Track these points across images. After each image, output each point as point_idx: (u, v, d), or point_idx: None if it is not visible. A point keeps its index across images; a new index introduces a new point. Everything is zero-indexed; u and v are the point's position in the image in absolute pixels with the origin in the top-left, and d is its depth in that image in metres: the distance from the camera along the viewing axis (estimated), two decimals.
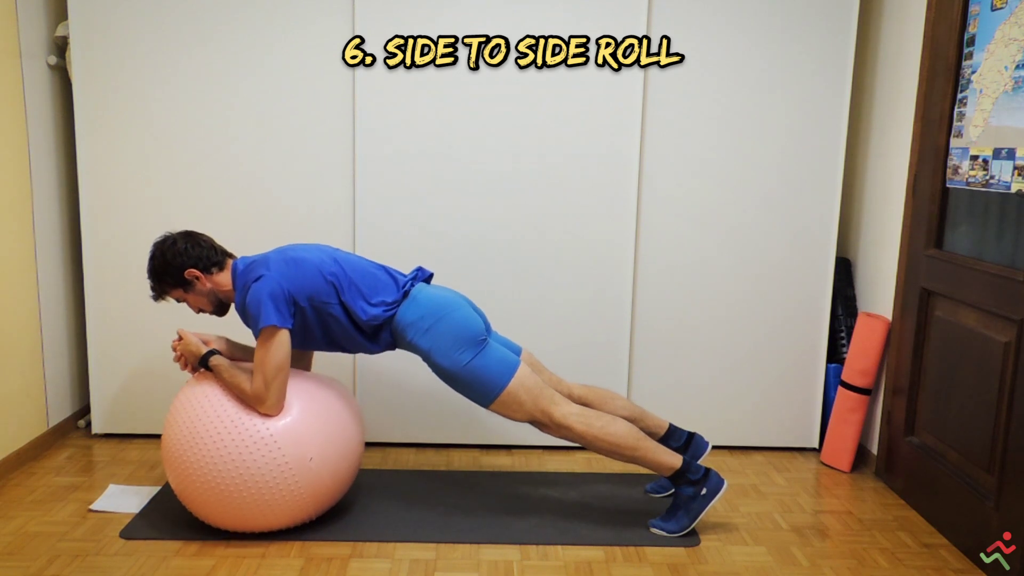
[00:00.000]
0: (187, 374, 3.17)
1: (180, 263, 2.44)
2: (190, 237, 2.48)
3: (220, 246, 2.53)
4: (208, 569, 2.29)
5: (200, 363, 2.44)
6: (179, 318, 3.15)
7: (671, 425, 2.75)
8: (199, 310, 2.54)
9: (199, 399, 2.37)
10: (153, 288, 2.50)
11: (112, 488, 2.78)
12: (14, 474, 2.89)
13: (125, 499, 2.70)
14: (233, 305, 2.57)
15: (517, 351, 2.67)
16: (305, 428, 2.37)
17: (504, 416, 2.48)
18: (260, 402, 2.32)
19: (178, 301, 2.54)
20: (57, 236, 3.17)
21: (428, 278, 2.62)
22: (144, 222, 3.11)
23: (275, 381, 2.32)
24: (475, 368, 2.43)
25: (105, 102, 3.04)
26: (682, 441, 2.74)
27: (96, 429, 3.23)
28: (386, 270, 2.56)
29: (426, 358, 2.47)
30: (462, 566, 2.35)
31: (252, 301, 2.36)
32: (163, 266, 2.45)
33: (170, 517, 2.57)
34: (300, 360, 2.72)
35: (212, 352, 2.43)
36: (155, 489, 2.78)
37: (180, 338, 2.47)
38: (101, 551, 2.38)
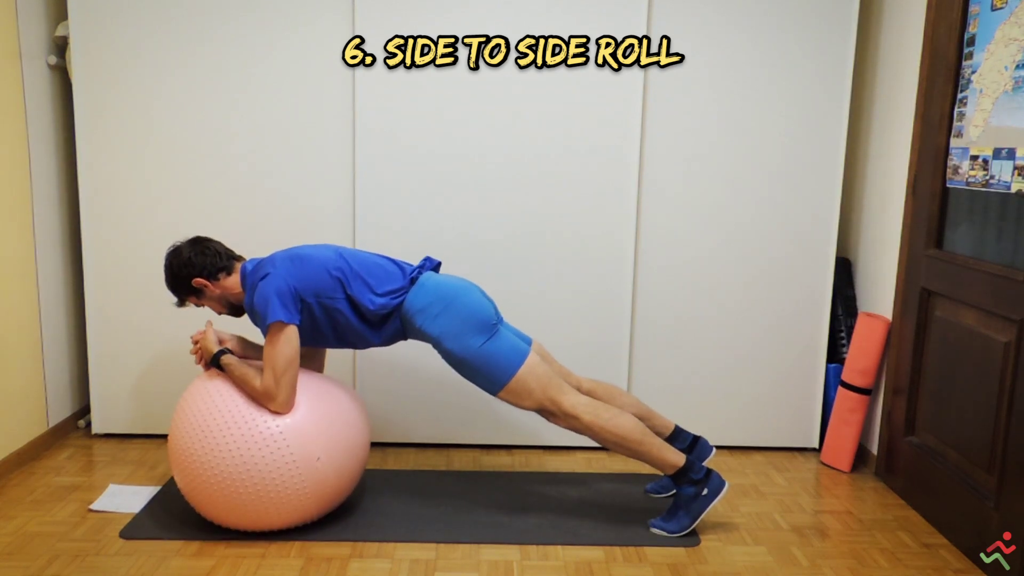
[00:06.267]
0: (189, 373, 3.18)
1: (186, 273, 2.48)
2: (196, 244, 2.51)
3: (228, 250, 2.55)
4: (208, 569, 2.29)
5: (212, 361, 2.45)
6: (179, 318, 3.16)
7: (677, 427, 2.75)
8: (219, 313, 2.59)
9: (208, 395, 2.38)
10: (173, 296, 2.57)
11: (112, 488, 2.78)
12: (14, 474, 2.89)
13: (125, 499, 2.70)
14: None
15: (528, 341, 2.66)
16: (313, 427, 2.37)
17: (512, 404, 2.48)
18: (270, 399, 2.32)
19: (197, 306, 2.60)
20: (57, 236, 3.17)
21: (436, 267, 2.63)
22: (144, 222, 3.11)
23: (284, 377, 2.32)
24: (486, 353, 2.43)
25: (105, 102, 3.04)
26: (687, 443, 2.74)
27: (96, 429, 3.23)
28: (393, 261, 2.58)
29: (436, 344, 2.47)
30: (462, 566, 2.35)
31: (259, 299, 2.38)
32: (172, 278, 2.51)
33: (170, 517, 2.57)
34: (312, 361, 2.74)
35: (224, 351, 2.45)
36: (155, 489, 2.78)
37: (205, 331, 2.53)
38: (101, 551, 2.38)
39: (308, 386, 2.45)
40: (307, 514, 2.44)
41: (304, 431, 2.35)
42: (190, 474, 2.35)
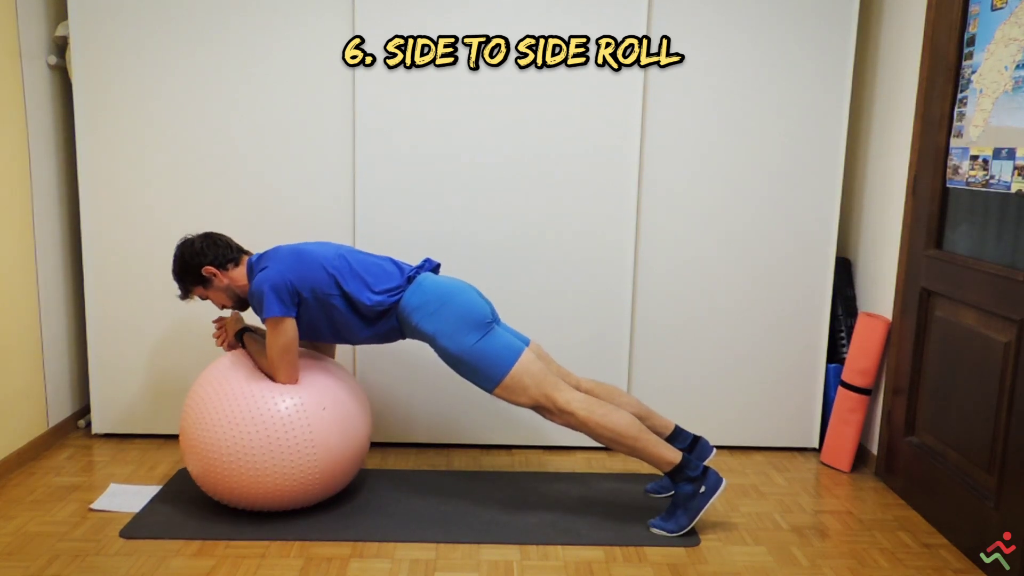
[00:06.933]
0: (190, 373, 3.19)
1: (197, 262, 2.58)
2: (207, 237, 2.63)
3: (236, 244, 2.67)
4: (208, 569, 2.29)
5: (237, 335, 2.65)
6: (180, 318, 3.16)
7: (677, 427, 2.75)
8: (222, 305, 2.68)
9: (227, 370, 2.55)
10: (179, 287, 2.66)
11: (112, 488, 2.78)
12: (14, 474, 2.89)
13: (125, 499, 2.70)
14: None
15: (525, 341, 2.69)
16: (318, 383, 2.57)
17: (508, 401, 2.51)
18: (275, 376, 2.54)
19: (202, 299, 2.73)
20: (57, 236, 3.17)
21: (435, 268, 2.69)
22: (144, 222, 3.11)
23: (281, 363, 2.50)
24: (480, 350, 2.47)
25: (105, 102, 3.04)
26: (687, 443, 2.74)
27: (96, 429, 3.23)
28: (393, 261, 2.67)
29: (432, 342, 2.52)
30: (462, 566, 2.35)
31: (257, 290, 2.50)
32: (183, 266, 2.61)
33: (170, 517, 2.57)
34: (326, 348, 2.88)
35: (246, 328, 2.67)
36: (155, 489, 2.78)
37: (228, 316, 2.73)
38: (101, 551, 2.38)
39: (312, 375, 2.59)
40: (312, 484, 2.49)
41: (309, 393, 2.52)
42: (205, 447, 2.45)
